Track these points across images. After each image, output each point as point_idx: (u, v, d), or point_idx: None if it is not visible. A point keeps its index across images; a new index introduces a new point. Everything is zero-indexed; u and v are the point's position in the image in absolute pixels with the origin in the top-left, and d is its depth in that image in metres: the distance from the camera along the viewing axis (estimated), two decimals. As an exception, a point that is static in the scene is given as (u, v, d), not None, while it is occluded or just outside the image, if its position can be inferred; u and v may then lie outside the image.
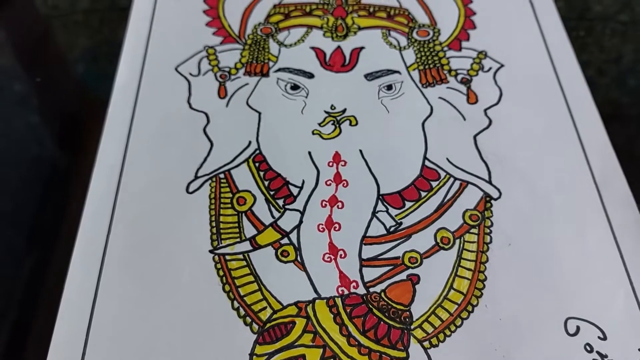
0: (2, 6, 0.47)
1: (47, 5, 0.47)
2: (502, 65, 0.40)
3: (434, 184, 0.34)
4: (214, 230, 0.32)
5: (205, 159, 0.35)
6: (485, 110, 0.37)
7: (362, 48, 0.40)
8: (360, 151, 0.35)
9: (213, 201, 0.33)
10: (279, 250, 0.31)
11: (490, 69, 0.40)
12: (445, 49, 0.41)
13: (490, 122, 0.37)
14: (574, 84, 0.39)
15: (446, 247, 0.32)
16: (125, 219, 0.33)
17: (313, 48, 0.40)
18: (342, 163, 0.35)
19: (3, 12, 0.47)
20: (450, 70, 0.39)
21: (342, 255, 0.31)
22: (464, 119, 0.37)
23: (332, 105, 0.37)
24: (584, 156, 0.35)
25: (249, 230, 0.32)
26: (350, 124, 0.37)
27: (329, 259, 0.31)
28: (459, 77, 0.39)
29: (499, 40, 0.41)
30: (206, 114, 0.37)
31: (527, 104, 0.38)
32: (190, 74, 0.39)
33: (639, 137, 0.40)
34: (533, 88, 0.39)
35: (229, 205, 0.33)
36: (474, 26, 0.42)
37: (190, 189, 0.34)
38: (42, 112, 0.40)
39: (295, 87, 0.38)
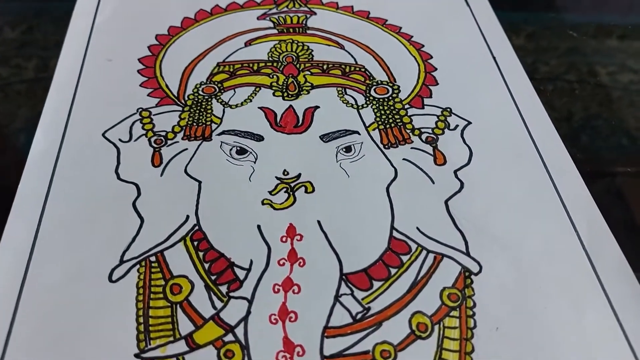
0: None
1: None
2: (469, 123, 0.36)
3: (404, 258, 0.29)
4: (142, 327, 0.26)
5: (133, 239, 0.29)
6: (455, 172, 0.34)
7: (316, 107, 0.37)
8: (319, 222, 0.31)
9: (141, 290, 0.28)
10: (222, 350, 0.26)
11: (457, 126, 0.36)
12: (407, 106, 0.37)
13: (462, 184, 0.33)
14: (547, 139, 0.36)
15: (424, 335, 0.27)
16: (31, 316, 0.27)
17: (262, 108, 0.36)
18: (298, 237, 0.30)
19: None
20: (413, 129, 0.36)
21: (300, 353, 0.26)
22: (433, 182, 0.33)
23: (284, 171, 0.33)
24: (569, 218, 0.32)
25: (185, 325, 0.27)
26: (306, 191, 0.32)
27: (283, 359, 0.26)
28: (424, 137, 0.36)
29: (464, 96, 0.38)
30: (137, 185, 0.32)
31: (500, 164, 0.34)
32: (120, 140, 0.34)
33: (607, 194, 0.37)
34: (505, 146, 0.35)
35: (161, 295, 0.28)
36: (435, 82, 0.39)
37: (114, 277, 0.28)
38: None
39: (241, 151, 0.34)
